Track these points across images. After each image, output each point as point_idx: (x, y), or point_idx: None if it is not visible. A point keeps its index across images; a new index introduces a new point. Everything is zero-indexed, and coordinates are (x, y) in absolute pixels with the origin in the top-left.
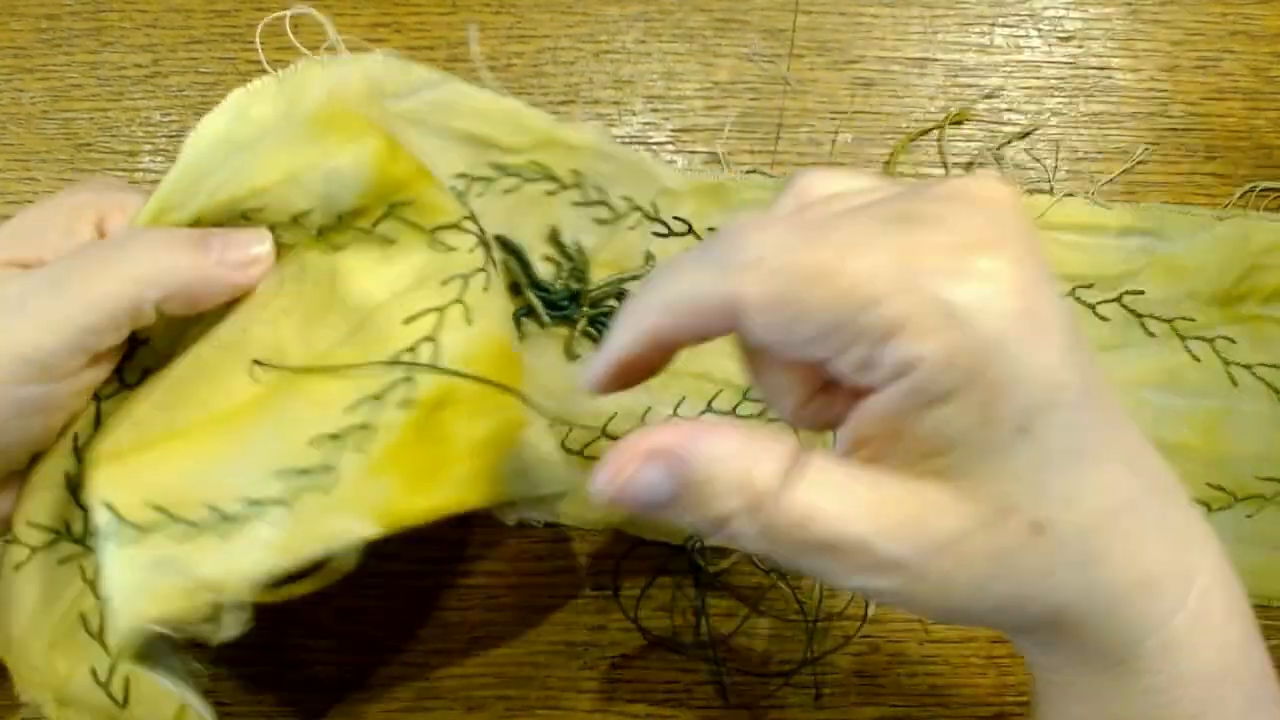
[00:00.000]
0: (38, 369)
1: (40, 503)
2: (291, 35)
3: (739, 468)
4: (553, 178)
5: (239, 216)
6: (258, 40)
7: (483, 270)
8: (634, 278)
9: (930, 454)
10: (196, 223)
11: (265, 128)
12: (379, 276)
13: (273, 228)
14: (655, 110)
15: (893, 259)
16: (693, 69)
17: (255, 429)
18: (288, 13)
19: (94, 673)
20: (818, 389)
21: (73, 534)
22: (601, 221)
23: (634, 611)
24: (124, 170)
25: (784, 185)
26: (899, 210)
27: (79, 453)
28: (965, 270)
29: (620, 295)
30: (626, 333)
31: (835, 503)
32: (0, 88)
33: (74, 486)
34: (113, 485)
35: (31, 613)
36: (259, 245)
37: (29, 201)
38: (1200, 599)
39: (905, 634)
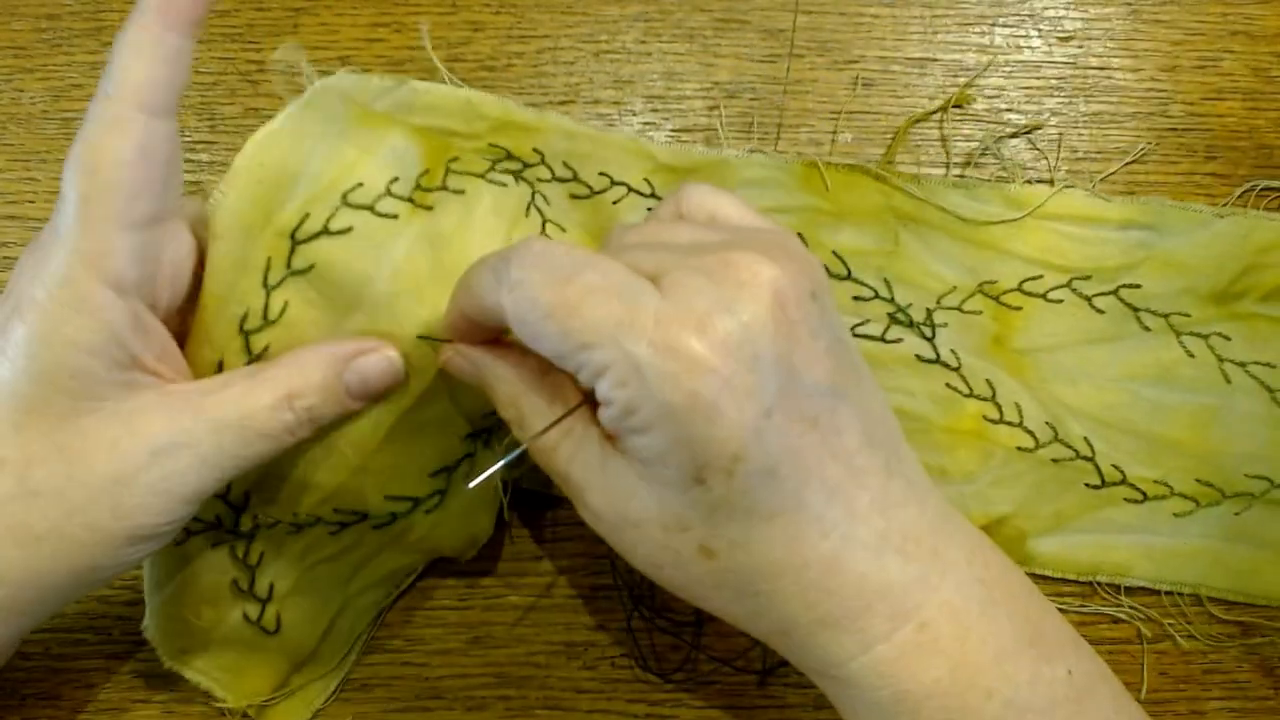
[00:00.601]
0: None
1: None
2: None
3: (511, 392)
4: (514, 157)
5: (340, 199)
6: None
7: (535, 192)
8: None
9: (638, 460)
10: (304, 218)
11: (311, 135)
12: (469, 226)
13: (372, 206)
14: (655, 110)
15: (616, 316)
16: (693, 69)
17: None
18: (277, 51)
19: (245, 615)
20: None
21: (225, 526)
22: (577, 197)
23: (634, 610)
24: None
25: (672, 194)
26: (660, 266)
27: None
28: (666, 345)
29: None
30: (451, 304)
31: (569, 458)
32: (0, 88)
33: (223, 495)
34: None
35: (183, 576)
36: (392, 375)
37: (29, 202)
38: (918, 631)
39: None
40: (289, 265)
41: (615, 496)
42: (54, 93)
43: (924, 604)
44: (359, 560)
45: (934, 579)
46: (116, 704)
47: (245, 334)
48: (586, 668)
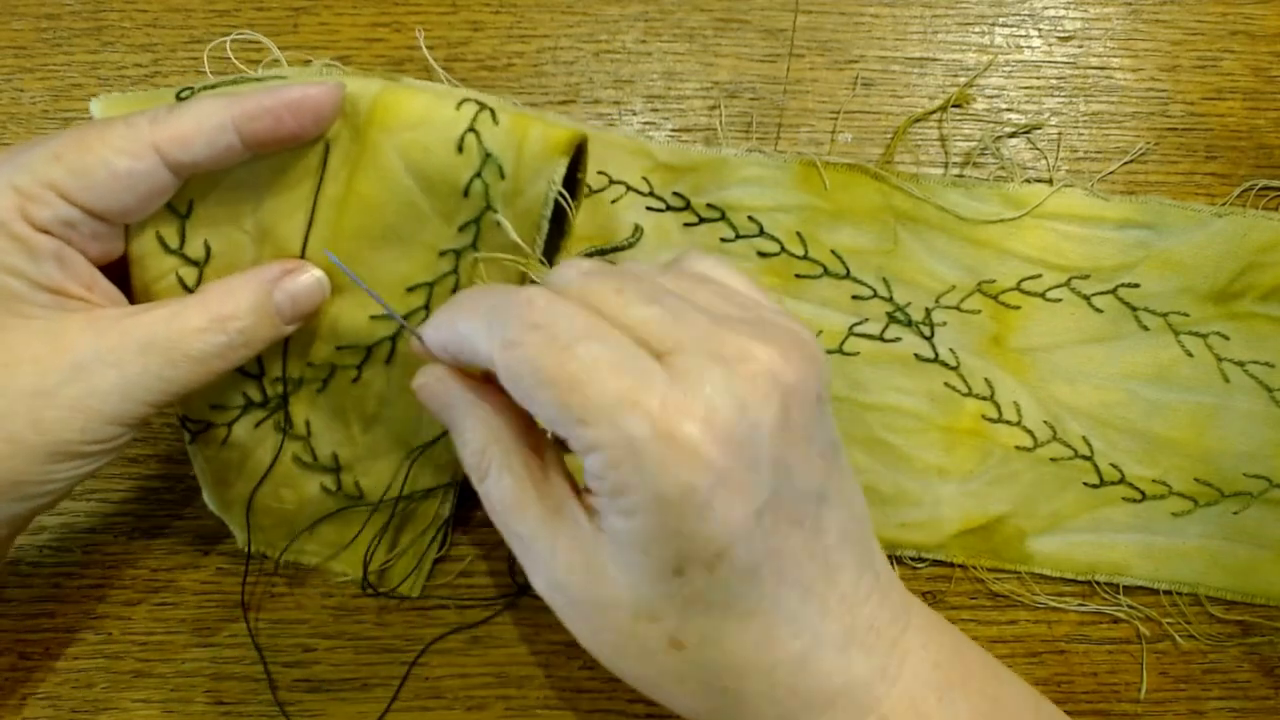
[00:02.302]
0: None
1: (214, 389)
2: (233, 57)
3: (483, 441)
4: None
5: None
6: (229, 51)
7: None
8: (617, 249)
9: (615, 542)
10: (182, 91)
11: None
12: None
13: (260, 79)
14: (655, 110)
15: (619, 394)
16: (693, 69)
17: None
18: (229, 38)
19: (324, 487)
20: None
21: (256, 401)
22: None
23: None
24: None
25: (679, 256)
26: (674, 341)
27: None
28: (669, 432)
29: None
30: (437, 327)
31: (537, 523)
32: (0, 88)
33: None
34: None
35: (249, 468)
36: (320, 293)
37: None
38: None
39: None
40: None
41: (583, 574)
42: (54, 93)
43: (884, 697)
44: (404, 415)
45: (892, 669)
46: (116, 704)
47: (170, 205)
48: (586, 667)
